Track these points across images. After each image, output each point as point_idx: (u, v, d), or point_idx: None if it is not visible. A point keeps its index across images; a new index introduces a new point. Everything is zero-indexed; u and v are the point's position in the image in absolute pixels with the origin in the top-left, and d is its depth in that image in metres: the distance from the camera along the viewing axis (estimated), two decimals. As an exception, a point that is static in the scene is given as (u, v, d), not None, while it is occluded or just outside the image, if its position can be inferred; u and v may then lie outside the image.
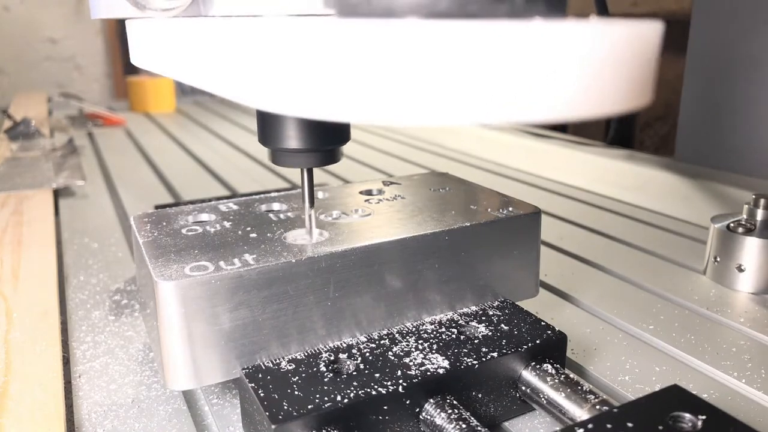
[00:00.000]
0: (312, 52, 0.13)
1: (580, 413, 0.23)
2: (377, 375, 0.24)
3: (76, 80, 2.06)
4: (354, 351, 0.26)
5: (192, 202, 0.39)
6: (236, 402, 0.28)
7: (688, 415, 0.20)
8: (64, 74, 2.05)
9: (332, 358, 0.26)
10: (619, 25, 0.13)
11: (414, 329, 0.28)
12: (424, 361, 0.25)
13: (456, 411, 0.23)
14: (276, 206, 0.33)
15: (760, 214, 0.39)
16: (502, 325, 0.28)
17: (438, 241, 0.28)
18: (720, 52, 0.59)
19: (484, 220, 0.30)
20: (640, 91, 0.15)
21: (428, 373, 0.24)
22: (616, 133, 0.77)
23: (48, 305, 0.36)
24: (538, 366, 0.26)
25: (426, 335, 0.27)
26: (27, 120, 0.92)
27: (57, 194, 0.63)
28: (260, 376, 0.24)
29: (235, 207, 0.32)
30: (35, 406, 0.26)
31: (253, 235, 0.28)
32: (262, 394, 0.23)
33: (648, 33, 0.14)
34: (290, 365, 0.25)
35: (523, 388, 0.26)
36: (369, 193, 0.35)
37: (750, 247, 0.38)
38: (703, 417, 0.20)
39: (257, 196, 0.34)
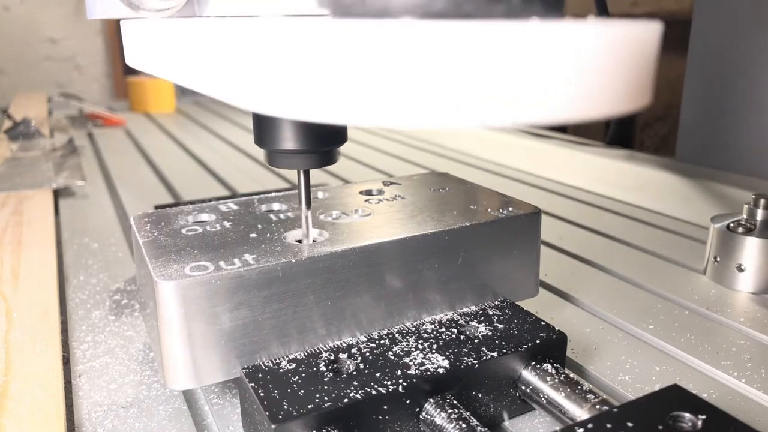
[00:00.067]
0: (305, 52, 0.13)
1: (580, 413, 0.23)
2: (377, 375, 0.24)
3: (76, 80, 2.06)
4: (354, 351, 0.26)
5: (192, 202, 0.39)
6: (236, 402, 0.28)
7: (688, 415, 0.20)
8: (64, 74, 2.05)
9: (332, 357, 0.26)
10: (617, 25, 0.13)
11: (414, 329, 0.28)
12: (424, 360, 0.25)
13: (456, 411, 0.23)
14: (276, 206, 0.33)
15: (760, 214, 0.39)
16: (502, 325, 0.28)
17: (438, 241, 0.28)
18: (721, 53, 0.59)
19: (484, 220, 0.30)
20: (640, 92, 0.14)
21: (428, 373, 0.24)
22: (616, 133, 0.77)
23: (48, 305, 0.36)
24: (538, 366, 0.26)
25: (426, 335, 0.27)
26: (27, 120, 0.92)
27: (57, 194, 0.63)
28: (260, 375, 0.24)
29: (235, 207, 0.32)
30: (35, 406, 0.26)
31: (253, 235, 0.28)
32: (262, 394, 0.23)
33: (647, 33, 0.14)
34: (290, 365, 0.25)
35: (523, 387, 0.26)
36: (369, 193, 0.35)
37: (750, 247, 0.38)
38: (703, 417, 0.20)
39: (257, 196, 0.34)
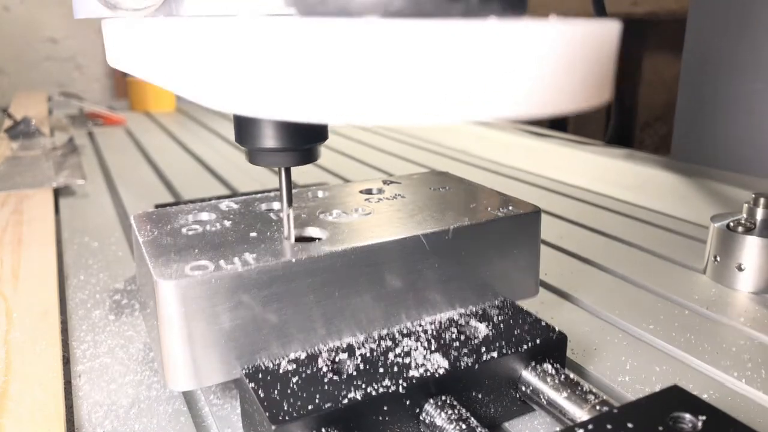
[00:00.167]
0: (276, 51, 0.13)
1: (580, 414, 0.23)
2: (377, 375, 0.24)
3: (77, 80, 2.06)
4: (354, 351, 0.26)
5: (192, 201, 0.39)
6: (236, 402, 0.28)
7: (688, 416, 0.20)
8: (64, 74, 2.05)
9: (332, 358, 0.25)
10: (575, 24, 0.14)
11: (414, 329, 0.28)
12: (424, 361, 0.25)
13: (456, 411, 0.23)
14: (276, 205, 0.33)
15: (759, 214, 0.39)
16: (502, 325, 0.28)
17: (438, 240, 0.28)
18: (716, 51, 0.59)
19: (484, 219, 0.30)
20: (598, 90, 0.15)
21: (428, 374, 0.24)
22: (615, 132, 0.77)
23: (48, 305, 0.36)
24: (538, 366, 0.26)
25: (426, 335, 0.27)
26: (27, 119, 0.92)
27: (57, 193, 0.63)
28: (260, 376, 0.24)
29: (235, 206, 0.32)
30: (35, 406, 0.26)
31: (253, 234, 0.28)
32: (262, 395, 0.23)
33: (605, 32, 0.14)
34: (290, 365, 0.25)
35: (523, 388, 0.26)
36: (369, 192, 0.35)
37: (750, 246, 0.38)
38: (703, 417, 0.20)
39: (257, 195, 0.34)
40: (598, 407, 0.23)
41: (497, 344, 0.26)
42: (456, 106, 0.13)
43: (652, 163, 0.62)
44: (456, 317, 0.29)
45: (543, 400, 0.25)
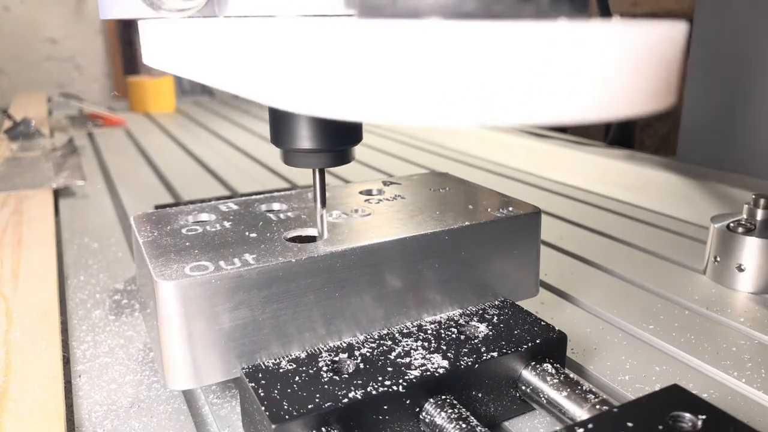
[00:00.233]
0: (334, 53, 0.13)
1: (580, 413, 0.23)
2: (377, 375, 0.24)
3: (76, 80, 2.06)
4: (354, 351, 0.26)
5: (192, 202, 0.39)
6: (236, 402, 0.28)
7: (688, 415, 0.20)
8: (64, 74, 2.05)
9: (332, 357, 0.26)
10: (644, 25, 0.13)
11: (414, 329, 0.28)
12: (424, 360, 0.25)
13: (456, 411, 0.23)
14: (276, 206, 0.33)
15: (760, 214, 0.39)
16: (502, 325, 0.28)
17: (438, 240, 0.28)
18: (723, 52, 0.59)
19: (484, 220, 0.30)
20: (665, 92, 0.14)
21: (428, 373, 0.24)
22: (616, 133, 0.77)
23: (48, 305, 0.36)
24: (538, 366, 0.26)
25: (426, 335, 0.27)
26: (27, 120, 0.92)
27: (57, 194, 0.63)
28: (260, 375, 0.24)
29: (235, 207, 0.32)
30: (35, 406, 0.26)
31: (253, 234, 0.28)
32: (262, 394, 0.23)
33: (673, 33, 0.14)
34: (290, 365, 0.25)
35: (523, 387, 0.26)
36: (369, 193, 0.35)
37: (750, 246, 0.38)
38: (703, 417, 0.20)
39: (257, 196, 0.34)
40: (597, 406, 0.23)
41: (497, 344, 0.26)
42: (530, 109, 0.13)
43: (652, 164, 0.62)
44: (456, 317, 0.29)
45: (543, 399, 0.25)
